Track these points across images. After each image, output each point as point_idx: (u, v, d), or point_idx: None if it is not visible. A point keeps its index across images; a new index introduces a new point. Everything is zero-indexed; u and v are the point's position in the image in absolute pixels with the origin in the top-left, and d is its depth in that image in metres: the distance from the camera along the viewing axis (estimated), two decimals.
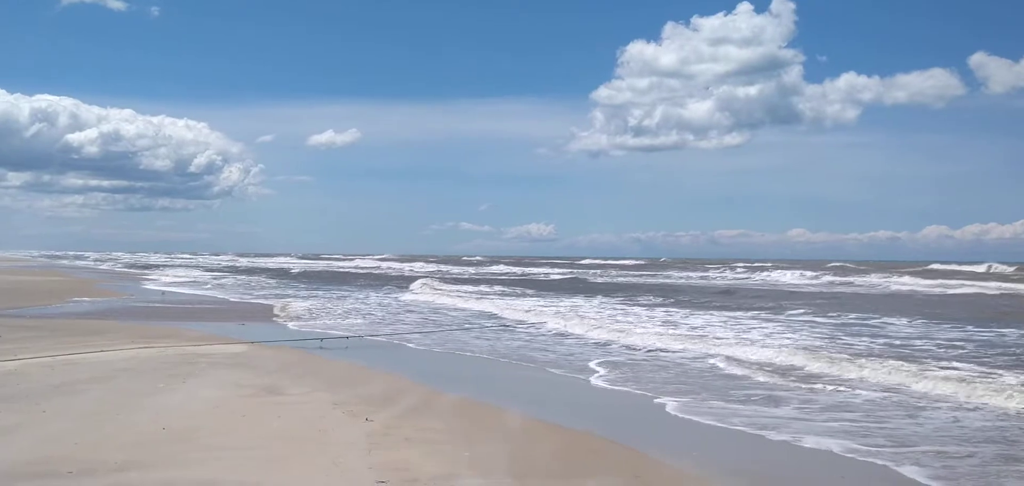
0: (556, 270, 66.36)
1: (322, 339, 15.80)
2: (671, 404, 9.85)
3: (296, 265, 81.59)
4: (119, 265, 76.62)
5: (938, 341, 15.84)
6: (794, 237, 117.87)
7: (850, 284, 43.61)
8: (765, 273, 55.64)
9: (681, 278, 52.00)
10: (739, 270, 62.22)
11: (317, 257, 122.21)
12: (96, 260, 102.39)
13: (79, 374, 10.52)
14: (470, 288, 36.57)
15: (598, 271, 65.03)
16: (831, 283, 44.93)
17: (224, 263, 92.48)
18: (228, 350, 13.79)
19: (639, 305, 26.54)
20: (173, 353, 12.90)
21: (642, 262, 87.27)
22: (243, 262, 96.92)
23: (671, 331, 17.74)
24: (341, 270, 67.81)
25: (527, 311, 23.26)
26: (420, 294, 32.92)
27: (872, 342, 15.71)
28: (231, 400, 9.16)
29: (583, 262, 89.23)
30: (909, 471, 6.94)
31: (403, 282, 42.79)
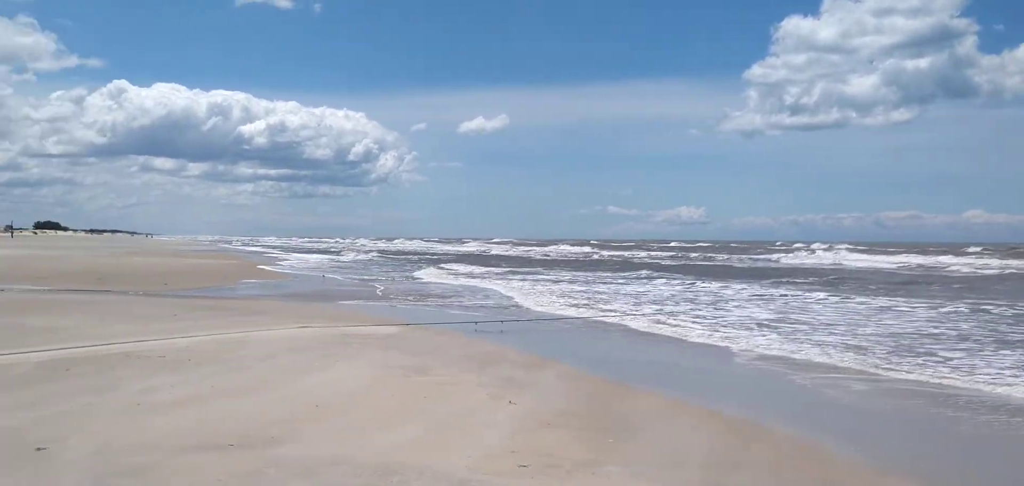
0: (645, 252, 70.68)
1: (477, 322, 16.01)
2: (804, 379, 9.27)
3: (407, 247, 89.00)
4: (250, 249, 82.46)
5: None
6: (970, 219, 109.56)
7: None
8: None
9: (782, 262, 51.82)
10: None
11: (450, 241, 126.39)
12: (243, 243, 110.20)
13: (243, 351, 11.11)
14: (481, 268, 42.39)
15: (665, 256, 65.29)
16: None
17: (346, 245, 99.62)
18: (381, 331, 14.21)
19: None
20: (329, 333, 13.42)
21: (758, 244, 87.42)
22: (366, 244, 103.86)
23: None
24: (425, 253, 74.38)
25: (515, 287, 27.85)
26: (427, 275, 36.42)
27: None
28: (381, 380, 9.40)
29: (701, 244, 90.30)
30: None
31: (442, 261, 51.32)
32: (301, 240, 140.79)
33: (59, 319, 14.26)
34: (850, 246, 69.90)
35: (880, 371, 10.77)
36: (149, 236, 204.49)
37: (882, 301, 21.19)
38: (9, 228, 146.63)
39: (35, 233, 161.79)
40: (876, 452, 7.02)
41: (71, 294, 20.73)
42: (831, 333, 14.59)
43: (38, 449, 6.02)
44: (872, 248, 68.25)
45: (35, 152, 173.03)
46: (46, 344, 11.03)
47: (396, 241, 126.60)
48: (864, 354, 12.10)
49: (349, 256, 64.60)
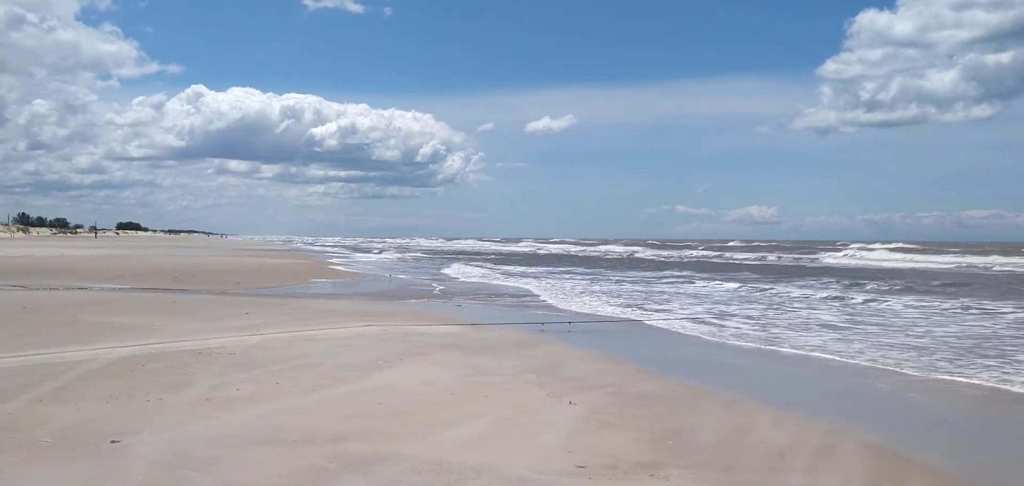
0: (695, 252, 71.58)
1: (544, 324, 15.99)
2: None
3: (457, 247, 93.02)
4: (313, 248, 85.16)
5: None
6: None
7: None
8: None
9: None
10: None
11: (509, 241, 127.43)
12: (304, 243, 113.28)
13: (311, 349, 11.34)
14: (511, 267, 43.95)
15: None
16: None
17: (395, 245, 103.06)
18: (444, 330, 14.32)
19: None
20: (393, 332, 13.59)
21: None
22: (421, 243, 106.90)
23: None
24: (464, 252, 77.29)
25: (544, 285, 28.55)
26: (455, 271, 38.75)
27: None
28: (442, 379, 9.46)
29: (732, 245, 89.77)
30: None
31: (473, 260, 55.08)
32: (361, 240, 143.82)
33: (136, 317, 14.79)
34: (918, 244, 68.70)
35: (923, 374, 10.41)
36: (223, 236, 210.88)
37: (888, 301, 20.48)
38: (94, 229, 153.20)
39: (117, 233, 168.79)
40: (952, 459, 6.78)
41: (148, 293, 21.49)
42: (908, 335, 14.18)
43: (112, 442, 6.25)
44: (925, 247, 67.44)
45: (118, 155, 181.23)
46: (123, 341, 11.46)
47: (456, 241, 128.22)
48: (930, 354, 11.81)
49: (391, 255, 67.23)
